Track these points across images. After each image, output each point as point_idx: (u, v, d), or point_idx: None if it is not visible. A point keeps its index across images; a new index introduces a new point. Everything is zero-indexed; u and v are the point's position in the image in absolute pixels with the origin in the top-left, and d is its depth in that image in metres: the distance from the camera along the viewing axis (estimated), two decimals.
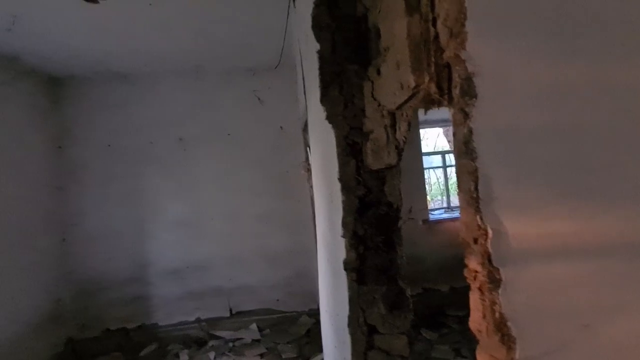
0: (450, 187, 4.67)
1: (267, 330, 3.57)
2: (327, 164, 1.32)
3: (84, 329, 3.40)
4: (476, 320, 0.68)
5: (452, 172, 4.41)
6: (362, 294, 1.02)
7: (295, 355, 3.07)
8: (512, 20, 0.62)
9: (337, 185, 1.10)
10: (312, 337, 3.36)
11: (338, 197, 1.09)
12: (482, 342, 0.68)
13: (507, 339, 0.63)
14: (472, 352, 2.89)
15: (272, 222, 3.76)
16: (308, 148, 2.34)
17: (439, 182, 8.98)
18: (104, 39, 2.80)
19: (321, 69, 1.01)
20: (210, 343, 3.41)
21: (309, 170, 2.44)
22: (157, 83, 3.63)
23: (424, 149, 4.32)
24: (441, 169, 4.79)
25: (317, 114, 1.46)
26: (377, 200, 1.03)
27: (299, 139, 3.60)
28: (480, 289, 0.66)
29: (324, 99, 1.03)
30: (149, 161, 3.61)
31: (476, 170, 0.63)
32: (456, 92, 0.66)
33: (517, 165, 0.63)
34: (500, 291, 0.63)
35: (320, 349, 3.02)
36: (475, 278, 0.68)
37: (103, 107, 3.56)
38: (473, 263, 0.68)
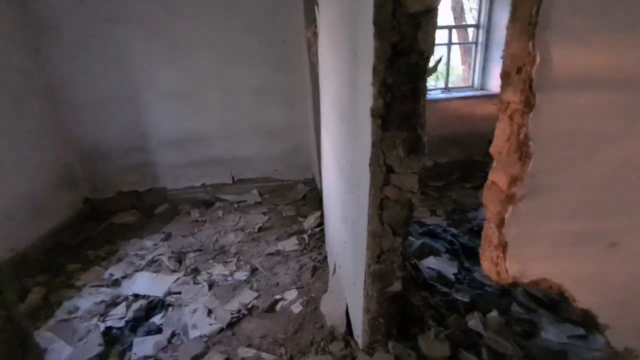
0: (450, 67, 4.52)
1: (267, 195, 3.94)
2: (352, 12, 1.24)
3: (98, 191, 3.66)
4: (498, 145, 0.79)
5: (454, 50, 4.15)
6: (384, 138, 1.13)
7: (294, 214, 3.50)
8: None
9: (368, 32, 1.07)
10: (308, 201, 3.77)
11: (368, 45, 1.08)
12: (499, 162, 0.81)
13: (524, 156, 0.76)
14: (446, 212, 3.34)
15: (268, 96, 3.69)
16: (316, 8, 2.13)
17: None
18: None
19: None
20: (217, 204, 3.79)
21: (315, 34, 2.28)
22: None
23: None
24: (441, 48, 4.52)
25: None
26: (409, 48, 1.03)
27: (299, 3, 3.22)
28: (510, 116, 0.75)
29: None
30: (127, 20, 3.22)
31: None
32: None
33: None
34: (531, 115, 0.71)
35: (315, 209, 3.44)
36: (507, 108, 0.76)
37: None
38: (508, 94, 0.75)
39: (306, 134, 3.83)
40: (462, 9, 7.62)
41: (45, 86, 3.21)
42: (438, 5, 0.91)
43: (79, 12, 3.14)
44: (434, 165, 4.13)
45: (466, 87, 4.44)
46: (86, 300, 2.35)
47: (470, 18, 7.70)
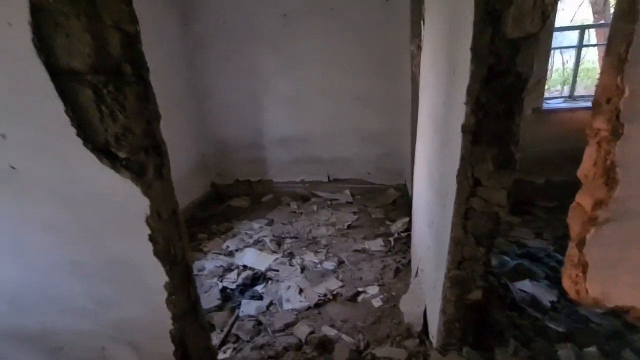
0: (579, 73, 3.96)
1: (359, 196, 4.17)
2: (453, 32, 1.35)
3: (221, 177, 4.46)
4: (586, 168, 0.83)
5: (587, 53, 3.63)
6: (474, 153, 1.21)
7: (382, 217, 3.63)
8: None
9: (465, 54, 1.17)
10: (397, 206, 3.86)
11: (465, 66, 1.18)
12: (586, 186, 0.85)
13: (611, 181, 0.79)
14: (555, 236, 2.99)
15: (370, 103, 3.92)
16: (422, 22, 2.24)
17: (564, 68, 7.47)
18: None
19: None
20: (312, 200, 4.19)
21: (419, 47, 2.38)
22: None
23: (557, 23, 3.58)
24: (571, 50, 3.99)
25: None
26: (506, 70, 1.09)
27: (406, 14, 3.33)
28: (599, 142, 0.79)
29: None
30: (257, 38, 3.85)
31: (632, 32, 0.68)
32: None
33: None
34: (618, 143, 0.75)
35: (404, 215, 3.51)
36: (596, 135, 0.80)
37: None
38: (598, 122, 0.79)
39: (401, 142, 3.92)
40: (605, 2, 6.45)
41: (194, 91, 4.09)
42: (539, 31, 0.96)
43: (222, 32, 3.91)
44: (546, 183, 3.72)
45: None
46: (209, 263, 2.97)
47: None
